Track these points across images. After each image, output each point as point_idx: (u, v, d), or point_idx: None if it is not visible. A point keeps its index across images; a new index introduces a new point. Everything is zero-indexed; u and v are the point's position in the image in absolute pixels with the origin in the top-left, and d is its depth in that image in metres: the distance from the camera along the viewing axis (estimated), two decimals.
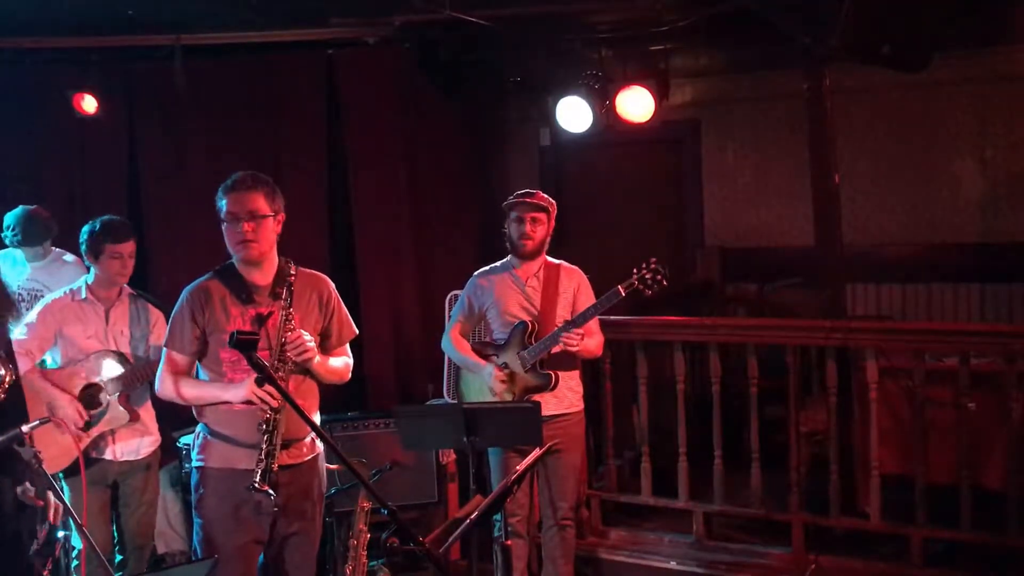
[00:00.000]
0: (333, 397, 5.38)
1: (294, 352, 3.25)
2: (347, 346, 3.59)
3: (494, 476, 4.25)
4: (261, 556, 3.42)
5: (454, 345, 4.37)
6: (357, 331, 3.61)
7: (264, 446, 3.17)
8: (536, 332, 4.19)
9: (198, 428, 3.43)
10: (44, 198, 5.14)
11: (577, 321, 4.10)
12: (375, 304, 5.90)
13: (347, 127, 5.92)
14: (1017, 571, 4.21)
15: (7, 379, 2.82)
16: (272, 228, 3.31)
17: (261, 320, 3.28)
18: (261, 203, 3.27)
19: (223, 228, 3.31)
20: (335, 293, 3.52)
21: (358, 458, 3.62)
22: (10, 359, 3.04)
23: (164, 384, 3.39)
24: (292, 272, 3.31)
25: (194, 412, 3.43)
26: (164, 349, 3.40)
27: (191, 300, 3.33)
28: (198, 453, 3.39)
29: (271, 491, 3.15)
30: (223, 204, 3.29)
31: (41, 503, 2.91)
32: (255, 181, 3.30)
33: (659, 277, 4.02)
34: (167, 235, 5.76)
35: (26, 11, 4.71)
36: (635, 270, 4.06)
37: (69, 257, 4.78)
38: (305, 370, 3.38)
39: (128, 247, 4.02)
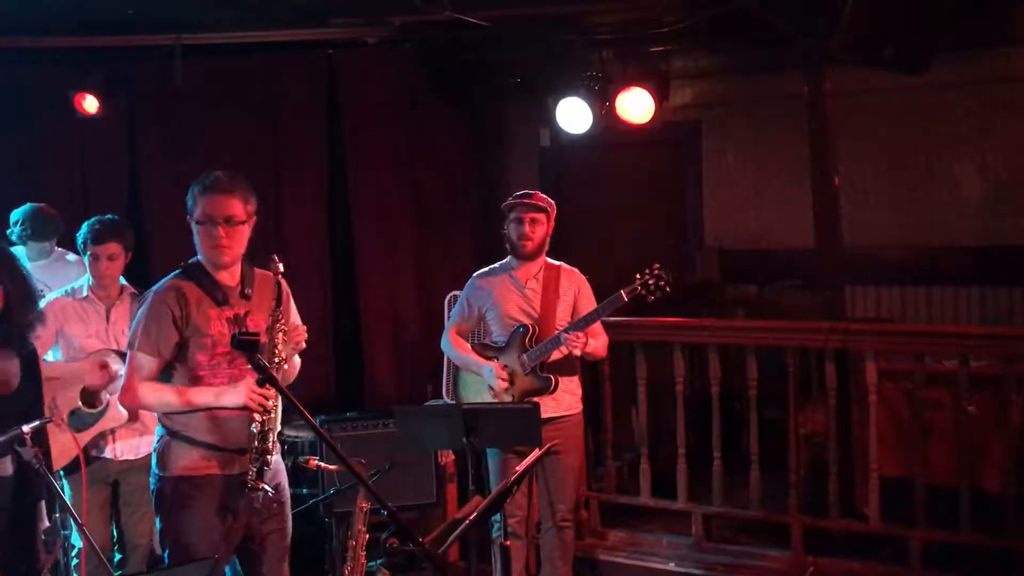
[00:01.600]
0: (333, 398, 5.40)
1: (301, 340, 3.22)
2: None
3: (493, 477, 4.25)
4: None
5: (453, 345, 4.37)
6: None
7: (257, 444, 3.09)
8: (536, 335, 4.19)
9: (160, 432, 3.26)
10: (45, 198, 5.14)
11: (579, 325, 4.10)
12: (374, 304, 5.90)
13: (347, 127, 5.93)
14: (1017, 573, 4.20)
15: None
16: (245, 232, 3.22)
17: (239, 321, 3.21)
18: (238, 208, 3.17)
19: (194, 228, 3.20)
20: (290, 293, 3.44)
21: (357, 459, 3.62)
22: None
23: (140, 392, 3.16)
24: (280, 272, 3.18)
25: (161, 417, 3.27)
26: (136, 354, 3.16)
27: (168, 301, 3.17)
28: (170, 460, 3.20)
29: (268, 487, 3.11)
30: (197, 204, 3.18)
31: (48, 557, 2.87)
32: (232, 184, 3.18)
33: (662, 283, 4.03)
34: (167, 234, 5.73)
35: (27, 10, 4.70)
36: (638, 275, 4.06)
37: (71, 257, 4.78)
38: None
39: (107, 249, 3.99)
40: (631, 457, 5.29)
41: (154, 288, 3.24)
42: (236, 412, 3.15)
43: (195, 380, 3.19)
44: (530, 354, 4.17)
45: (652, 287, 4.04)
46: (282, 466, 3.45)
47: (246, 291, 3.26)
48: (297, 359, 3.47)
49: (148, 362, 3.16)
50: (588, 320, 4.12)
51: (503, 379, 4.16)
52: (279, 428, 3.36)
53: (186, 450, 3.19)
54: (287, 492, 3.45)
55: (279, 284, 3.19)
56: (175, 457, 3.20)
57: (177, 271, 3.27)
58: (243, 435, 3.16)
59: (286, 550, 3.42)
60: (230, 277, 3.26)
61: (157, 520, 3.30)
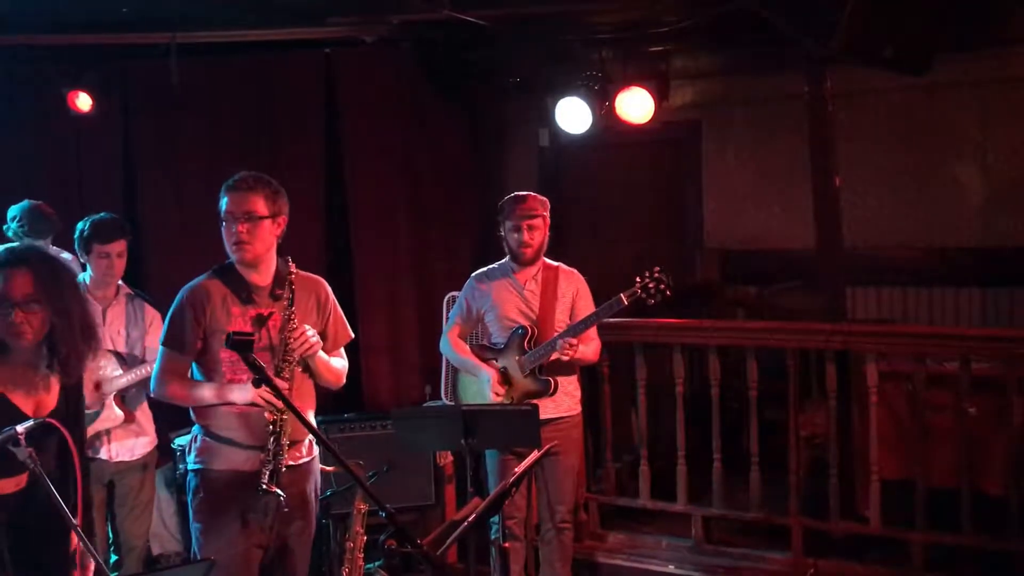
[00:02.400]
0: (330, 399, 5.36)
1: (300, 348, 3.22)
2: (342, 350, 3.56)
3: (491, 479, 4.23)
4: None
5: (453, 347, 4.34)
6: (353, 335, 3.59)
7: (271, 447, 3.15)
8: (535, 337, 4.17)
9: (194, 430, 3.38)
10: (40, 196, 5.10)
11: (578, 328, 4.08)
12: (373, 305, 5.87)
13: (344, 127, 5.89)
14: None
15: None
16: (269, 230, 3.27)
17: (262, 320, 3.25)
18: (259, 205, 3.23)
19: (221, 227, 3.28)
20: (332, 296, 3.50)
21: (355, 460, 3.59)
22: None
23: (162, 385, 3.33)
24: (292, 272, 3.27)
25: (192, 413, 3.37)
26: (162, 348, 3.34)
27: (192, 299, 3.27)
28: (197, 456, 3.33)
29: (280, 491, 3.13)
30: (223, 203, 3.27)
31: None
32: (255, 182, 3.26)
33: (662, 286, 4.01)
34: (162, 234, 5.72)
35: (20, 8, 4.67)
36: (638, 278, 4.04)
37: (66, 255, 4.75)
38: (304, 370, 3.34)
39: (116, 247, 3.99)
40: (630, 459, 5.26)
41: (185, 286, 3.33)
42: (250, 408, 3.19)
43: (219, 375, 3.27)
44: (528, 357, 4.15)
45: (652, 290, 4.02)
46: (315, 470, 3.47)
47: (276, 291, 3.29)
48: (340, 363, 3.50)
49: (173, 357, 3.30)
50: (587, 323, 4.10)
51: (498, 394, 4.14)
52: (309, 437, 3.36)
53: (212, 445, 3.28)
54: (313, 498, 3.44)
55: (291, 284, 3.25)
56: (202, 451, 3.31)
57: (210, 270, 3.35)
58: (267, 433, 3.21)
59: (305, 556, 3.42)
60: (261, 277, 3.31)
61: (192, 516, 3.36)
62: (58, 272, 2.72)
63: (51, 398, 2.76)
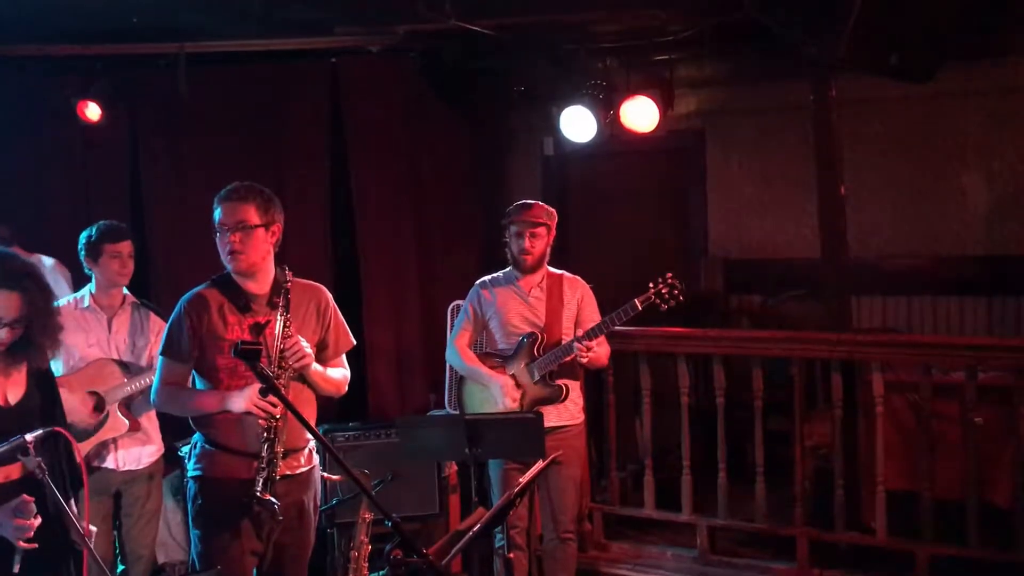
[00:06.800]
0: (335, 407, 5.38)
1: (293, 359, 3.22)
2: (344, 359, 3.56)
3: (494, 490, 4.22)
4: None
5: (461, 357, 4.33)
6: (355, 342, 3.58)
7: (265, 455, 3.14)
8: (544, 343, 4.17)
9: (195, 438, 3.39)
10: (48, 205, 5.13)
11: (592, 333, 4.08)
12: (377, 313, 5.87)
13: (350, 136, 5.91)
14: None
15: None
16: (263, 239, 3.28)
17: (259, 329, 3.26)
18: (251, 214, 3.24)
19: (216, 238, 3.30)
20: (333, 303, 3.50)
21: (360, 469, 3.59)
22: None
23: (162, 395, 3.36)
24: (289, 280, 3.28)
25: (191, 422, 3.38)
26: (161, 358, 3.36)
27: (188, 308, 3.29)
28: (196, 463, 3.34)
29: (274, 499, 3.12)
30: (216, 214, 3.29)
31: None
32: (246, 192, 3.27)
33: (676, 292, 4.01)
34: (170, 243, 5.74)
35: (30, 19, 4.70)
36: (651, 284, 4.04)
37: (48, 260, 4.70)
38: (302, 380, 3.34)
39: (125, 246, 4.02)
40: (635, 468, 5.26)
41: (183, 296, 3.36)
42: (247, 416, 3.19)
43: (217, 383, 3.28)
44: (538, 363, 4.15)
45: (666, 296, 4.02)
46: (315, 480, 3.46)
47: (274, 299, 3.30)
48: (340, 373, 3.50)
49: (172, 366, 3.32)
50: (600, 329, 4.10)
51: (514, 399, 4.13)
52: (311, 443, 3.37)
53: (211, 452, 3.30)
54: (311, 509, 3.43)
55: (286, 292, 3.25)
56: (201, 458, 3.32)
57: (209, 280, 3.37)
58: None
59: (293, 560, 3.40)
60: (258, 285, 3.32)
61: (191, 523, 3.36)
62: (44, 288, 2.92)
63: (19, 386, 2.89)
